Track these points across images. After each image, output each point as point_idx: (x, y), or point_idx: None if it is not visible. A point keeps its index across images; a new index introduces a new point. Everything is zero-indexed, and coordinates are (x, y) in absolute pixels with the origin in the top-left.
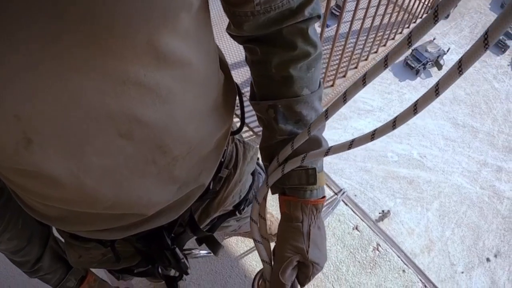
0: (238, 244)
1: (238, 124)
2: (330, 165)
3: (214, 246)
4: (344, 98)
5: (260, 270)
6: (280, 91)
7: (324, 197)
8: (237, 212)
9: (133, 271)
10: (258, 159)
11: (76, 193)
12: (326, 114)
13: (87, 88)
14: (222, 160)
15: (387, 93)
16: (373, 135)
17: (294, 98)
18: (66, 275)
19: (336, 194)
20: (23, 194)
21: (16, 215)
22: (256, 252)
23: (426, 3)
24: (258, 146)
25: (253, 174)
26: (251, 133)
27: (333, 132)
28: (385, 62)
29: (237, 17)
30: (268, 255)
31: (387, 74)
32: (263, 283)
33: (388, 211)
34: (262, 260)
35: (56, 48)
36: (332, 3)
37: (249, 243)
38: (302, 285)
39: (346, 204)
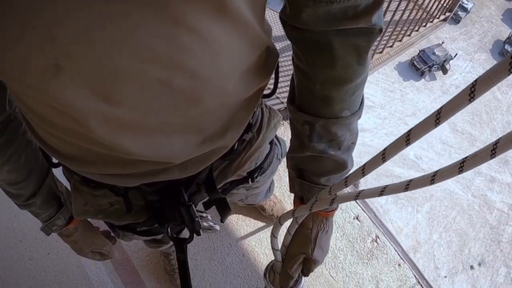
0: (238, 223)
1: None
2: None
3: (224, 210)
4: (383, 157)
5: (271, 262)
6: (320, 108)
7: (335, 209)
8: (250, 180)
9: (136, 229)
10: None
11: (99, 132)
12: (384, 156)
13: (140, 25)
14: (251, 122)
15: (390, 91)
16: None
17: (333, 119)
18: (56, 213)
19: None
20: (41, 127)
21: (20, 150)
22: (255, 233)
23: (443, 4)
24: (281, 115)
25: (270, 143)
26: (278, 101)
27: None
28: (437, 118)
29: (297, 1)
30: (281, 256)
31: (391, 72)
32: (273, 274)
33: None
34: (276, 260)
35: None
36: None
37: (249, 222)
38: (305, 275)
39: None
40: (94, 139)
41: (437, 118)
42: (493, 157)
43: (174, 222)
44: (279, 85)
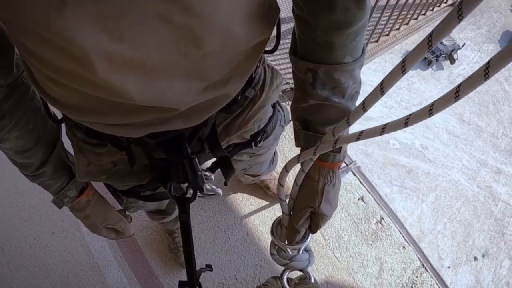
0: (243, 202)
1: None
2: None
3: (228, 170)
4: (382, 89)
5: (278, 218)
6: (322, 55)
7: (341, 161)
8: (253, 144)
9: (139, 193)
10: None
11: (102, 72)
12: (364, 106)
13: None
14: (253, 76)
15: None
16: (406, 121)
17: (335, 65)
18: (67, 183)
19: (347, 165)
20: (43, 74)
21: (27, 115)
22: (259, 212)
23: None
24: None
25: (273, 106)
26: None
27: None
28: (429, 42)
29: None
30: (289, 209)
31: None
32: (280, 229)
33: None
34: (283, 213)
35: None
36: None
37: (253, 201)
38: (313, 232)
39: (354, 174)
40: (97, 83)
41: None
42: (430, 116)
43: (178, 179)
44: (283, 65)
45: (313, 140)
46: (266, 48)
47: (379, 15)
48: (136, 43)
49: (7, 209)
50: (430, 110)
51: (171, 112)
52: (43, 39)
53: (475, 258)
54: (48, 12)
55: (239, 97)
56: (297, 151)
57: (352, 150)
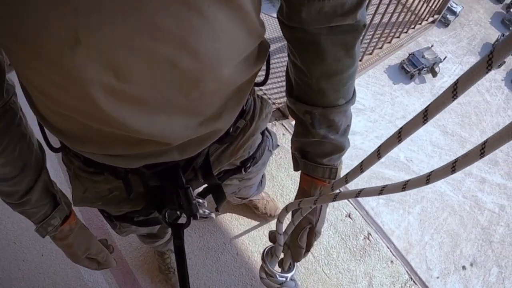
0: (232, 222)
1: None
2: None
3: (219, 197)
4: (379, 154)
5: (270, 246)
6: (317, 99)
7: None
8: (242, 170)
9: (133, 219)
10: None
11: (106, 107)
12: (379, 153)
13: (158, 6)
14: (244, 108)
15: (380, 94)
16: (404, 186)
17: (330, 107)
18: (51, 212)
19: None
20: (45, 104)
21: (14, 142)
22: (249, 232)
23: (432, 6)
24: (272, 104)
25: (262, 133)
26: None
27: None
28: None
29: (292, 1)
30: (283, 239)
31: (381, 76)
32: (270, 257)
33: None
34: (278, 244)
35: None
36: None
37: (243, 221)
38: (308, 250)
39: (339, 190)
40: (99, 116)
41: (425, 116)
42: (482, 157)
43: (172, 206)
44: (270, 86)
45: (311, 168)
46: (256, 80)
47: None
48: (142, 83)
49: None
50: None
51: (169, 145)
52: (50, 76)
53: (464, 267)
54: (62, 48)
55: (231, 129)
56: (283, 171)
57: None
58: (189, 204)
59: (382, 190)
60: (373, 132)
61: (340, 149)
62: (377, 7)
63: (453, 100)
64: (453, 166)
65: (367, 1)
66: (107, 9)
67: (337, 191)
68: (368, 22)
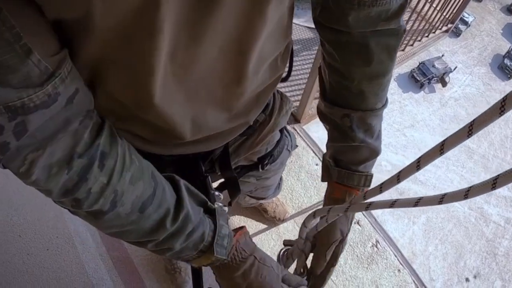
0: (240, 224)
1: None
2: None
3: (234, 190)
4: (418, 165)
5: (286, 249)
6: (356, 102)
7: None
8: (260, 167)
9: None
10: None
11: (157, 92)
12: (418, 164)
13: (231, 12)
14: (268, 102)
15: (389, 103)
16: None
17: (368, 111)
18: (214, 220)
19: None
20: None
21: (124, 145)
22: (257, 235)
23: (446, 15)
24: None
25: (281, 131)
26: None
27: None
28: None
29: (341, 6)
30: (303, 244)
31: (391, 84)
32: (285, 258)
33: None
34: (298, 248)
35: None
36: None
37: (251, 224)
38: (334, 263)
39: None
40: (148, 103)
41: (470, 130)
42: (466, 198)
43: None
44: (283, 90)
45: (346, 176)
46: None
47: None
48: (199, 78)
49: (1, 223)
50: (441, 148)
51: (197, 137)
52: (114, 52)
53: (467, 279)
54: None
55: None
56: (293, 175)
57: None
58: (207, 194)
59: (417, 202)
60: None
61: (375, 153)
62: None
63: (468, 137)
64: (467, 192)
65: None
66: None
67: (370, 200)
68: None
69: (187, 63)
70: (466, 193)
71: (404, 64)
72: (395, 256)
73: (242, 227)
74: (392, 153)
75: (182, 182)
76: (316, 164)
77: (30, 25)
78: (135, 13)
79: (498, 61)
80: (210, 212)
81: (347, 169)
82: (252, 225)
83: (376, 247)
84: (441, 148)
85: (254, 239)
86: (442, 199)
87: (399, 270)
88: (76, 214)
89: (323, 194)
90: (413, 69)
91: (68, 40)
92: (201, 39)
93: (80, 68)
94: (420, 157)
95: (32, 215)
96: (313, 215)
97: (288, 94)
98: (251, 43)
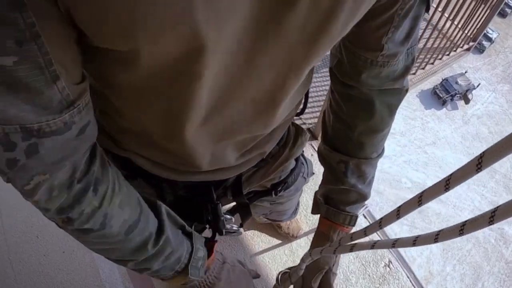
0: (254, 239)
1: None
2: None
3: (246, 214)
4: (398, 213)
5: (287, 270)
6: (354, 151)
7: (353, 226)
8: (273, 193)
9: None
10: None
11: (188, 128)
12: (398, 213)
13: (265, 53)
14: (282, 135)
15: (411, 119)
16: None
17: (364, 159)
18: (191, 243)
19: None
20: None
21: (113, 171)
22: (270, 250)
23: (468, 33)
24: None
25: (296, 160)
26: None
27: None
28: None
29: (356, 61)
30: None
31: (413, 100)
32: (284, 279)
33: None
34: (298, 272)
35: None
36: None
37: (264, 238)
38: None
39: (365, 217)
40: (177, 139)
41: (447, 185)
42: (491, 224)
43: (199, 220)
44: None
45: (333, 213)
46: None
47: None
48: (228, 122)
49: (20, 223)
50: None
51: (211, 168)
52: (151, 91)
53: None
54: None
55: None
56: (309, 192)
57: None
58: (216, 220)
59: (394, 244)
60: (402, 156)
61: (363, 198)
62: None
63: (477, 172)
64: (462, 228)
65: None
66: (231, 49)
67: (354, 242)
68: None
69: (220, 108)
70: (462, 228)
71: (427, 80)
72: (408, 277)
73: (213, 243)
74: (413, 170)
75: (164, 208)
76: None
77: (62, 53)
78: (178, 60)
79: None
80: (188, 235)
81: (335, 208)
82: (265, 240)
83: (389, 267)
84: (419, 200)
85: (267, 254)
86: (437, 237)
87: None
88: (63, 229)
89: None
90: (436, 86)
91: (113, 64)
92: (235, 89)
93: (115, 92)
94: (399, 207)
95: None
96: (310, 255)
97: (306, 111)
98: (281, 97)
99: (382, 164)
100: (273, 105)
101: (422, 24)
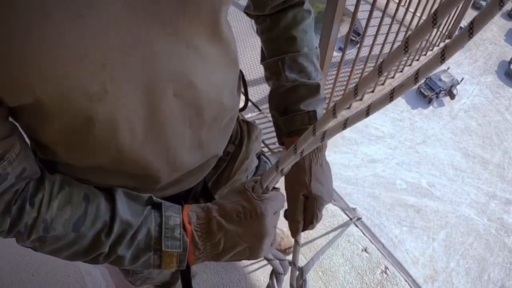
0: None
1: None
2: (338, 189)
3: None
4: (345, 125)
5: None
6: (286, 48)
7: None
8: None
9: None
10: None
11: (127, 141)
12: (334, 110)
13: (163, 49)
14: (236, 133)
15: (399, 120)
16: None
17: (297, 53)
18: (161, 213)
19: (351, 219)
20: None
21: (57, 178)
22: (263, 267)
23: (442, 31)
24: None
25: (259, 157)
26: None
27: (343, 156)
28: (391, 96)
29: (261, 1)
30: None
31: (399, 101)
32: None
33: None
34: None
35: (146, 13)
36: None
37: None
38: (311, 222)
39: (357, 226)
40: (119, 155)
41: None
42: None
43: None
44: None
45: (290, 121)
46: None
47: (373, 64)
48: (156, 120)
49: (14, 262)
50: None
51: (172, 177)
52: (76, 127)
53: None
54: (92, 99)
55: (223, 155)
56: None
57: (359, 193)
58: None
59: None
60: (394, 159)
61: (315, 90)
62: (386, 36)
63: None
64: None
65: None
66: (130, 59)
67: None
68: (378, 52)
69: (150, 116)
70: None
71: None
72: (406, 281)
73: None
74: (406, 171)
75: (120, 191)
76: None
77: None
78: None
79: (504, 67)
80: (158, 207)
81: (291, 113)
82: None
83: (385, 273)
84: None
85: (261, 271)
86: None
87: None
88: (24, 246)
89: (328, 224)
90: (420, 85)
91: (35, 120)
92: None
93: (50, 142)
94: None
95: (45, 255)
96: (276, 167)
97: (267, 136)
98: (195, 78)
99: (375, 169)
100: (192, 87)
101: (395, 26)
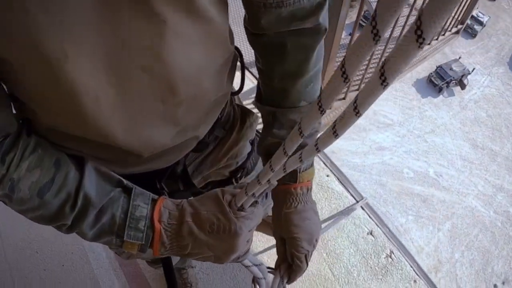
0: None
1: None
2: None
3: None
4: (335, 132)
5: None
6: (279, 100)
7: (291, 184)
8: (233, 180)
9: None
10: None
11: (93, 112)
12: (317, 146)
13: (130, 20)
14: (220, 117)
15: (408, 109)
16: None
17: (291, 108)
18: (129, 200)
19: (357, 201)
20: (37, 115)
21: (32, 141)
22: (268, 249)
23: (455, 16)
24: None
25: (252, 143)
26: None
27: (351, 143)
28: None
29: (251, 6)
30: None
31: (409, 89)
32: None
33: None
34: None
35: None
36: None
37: (262, 238)
38: (292, 262)
39: (363, 209)
40: (85, 124)
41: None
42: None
43: None
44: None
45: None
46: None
47: (383, 47)
48: (124, 89)
49: (19, 240)
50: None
51: (145, 154)
52: (44, 87)
53: (495, 286)
54: (52, 63)
55: (207, 137)
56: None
57: (366, 180)
58: None
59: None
60: (402, 147)
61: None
62: (397, 20)
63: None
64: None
65: (327, 5)
66: (89, 24)
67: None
68: (388, 35)
69: (116, 86)
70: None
71: (421, 68)
72: (411, 266)
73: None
74: (413, 159)
75: (90, 165)
76: (327, 175)
77: None
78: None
79: None
80: (128, 192)
81: None
82: (262, 239)
83: (391, 257)
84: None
85: (265, 254)
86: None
87: (415, 281)
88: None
89: (334, 206)
90: (431, 73)
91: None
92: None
93: (24, 98)
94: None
95: (49, 232)
96: (245, 191)
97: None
98: (164, 52)
99: (383, 156)
100: (160, 60)
101: (406, 9)
